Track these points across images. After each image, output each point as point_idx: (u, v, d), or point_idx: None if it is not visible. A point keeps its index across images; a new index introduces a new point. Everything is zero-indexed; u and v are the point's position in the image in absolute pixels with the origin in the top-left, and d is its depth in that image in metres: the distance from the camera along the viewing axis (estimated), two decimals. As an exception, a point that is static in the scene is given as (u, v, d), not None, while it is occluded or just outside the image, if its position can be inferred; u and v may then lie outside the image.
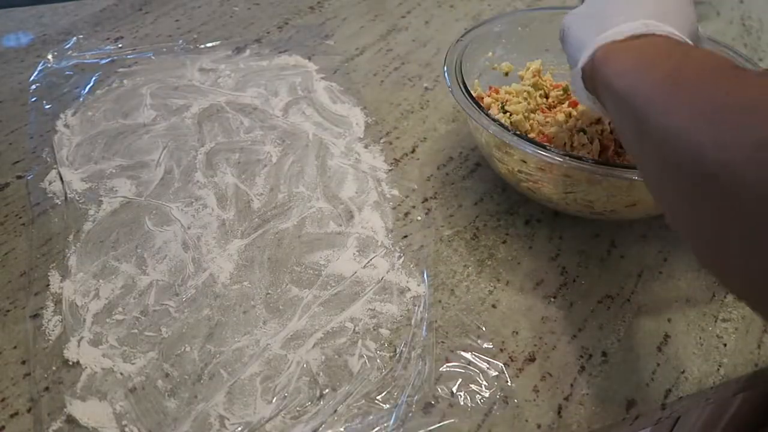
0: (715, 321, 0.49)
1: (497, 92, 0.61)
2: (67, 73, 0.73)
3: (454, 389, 0.43)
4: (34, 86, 0.71)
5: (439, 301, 0.49)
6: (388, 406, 0.42)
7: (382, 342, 0.46)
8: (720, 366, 0.46)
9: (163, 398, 0.43)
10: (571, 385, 0.44)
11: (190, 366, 0.44)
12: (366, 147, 0.64)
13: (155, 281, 0.50)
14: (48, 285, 0.50)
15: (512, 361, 0.46)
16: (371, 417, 0.42)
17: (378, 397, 0.43)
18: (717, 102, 0.29)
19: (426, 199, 0.58)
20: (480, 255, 0.53)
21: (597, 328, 0.48)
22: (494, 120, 0.50)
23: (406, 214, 0.57)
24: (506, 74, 0.65)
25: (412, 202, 0.58)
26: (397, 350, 0.46)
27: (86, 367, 0.44)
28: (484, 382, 0.44)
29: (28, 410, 0.42)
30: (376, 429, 0.41)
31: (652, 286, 0.51)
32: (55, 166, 0.60)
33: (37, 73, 0.73)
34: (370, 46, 0.80)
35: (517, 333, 0.47)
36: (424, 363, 0.45)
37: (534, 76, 0.64)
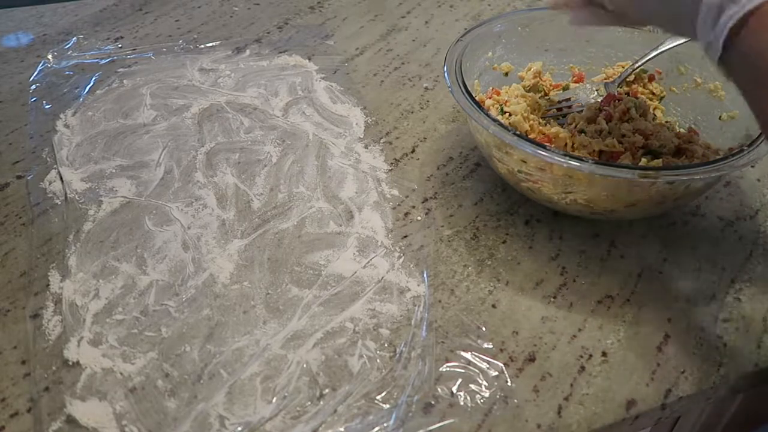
0: (715, 321, 0.49)
1: (498, 94, 0.61)
2: (67, 73, 0.73)
3: (454, 389, 0.43)
4: (34, 86, 0.71)
5: (439, 301, 0.49)
6: (388, 406, 0.42)
7: (382, 342, 0.46)
8: (720, 366, 0.46)
9: (163, 398, 0.43)
10: (571, 385, 0.44)
11: (190, 366, 0.44)
12: (366, 147, 0.64)
13: (155, 281, 0.50)
14: (48, 285, 0.50)
15: (512, 361, 0.45)
16: (371, 417, 0.42)
17: (378, 397, 0.43)
18: None
19: (426, 199, 0.58)
20: (480, 255, 0.53)
21: (597, 328, 0.48)
22: (494, 120, 0.50)
23: (406, 214, 0.57)
24: (506, 74, 0.65)
25: (412, 202, 0.58)
26: (397, 350, 0.46)
27: (86, 367, 0.44)
28: (484, 382, 0.44)
29: (28, 410, 0.42)
30: (376, 429, 0.41)
31: (652, 286, 0.51)
32: (55, 166, 0.60)
33: (37, 73, 0.73)
34: (370, 46, 0.80)
35: (517, 333, 0.47)
36: (424, 363, 0.45)
37: (535, 77, 0.64)
